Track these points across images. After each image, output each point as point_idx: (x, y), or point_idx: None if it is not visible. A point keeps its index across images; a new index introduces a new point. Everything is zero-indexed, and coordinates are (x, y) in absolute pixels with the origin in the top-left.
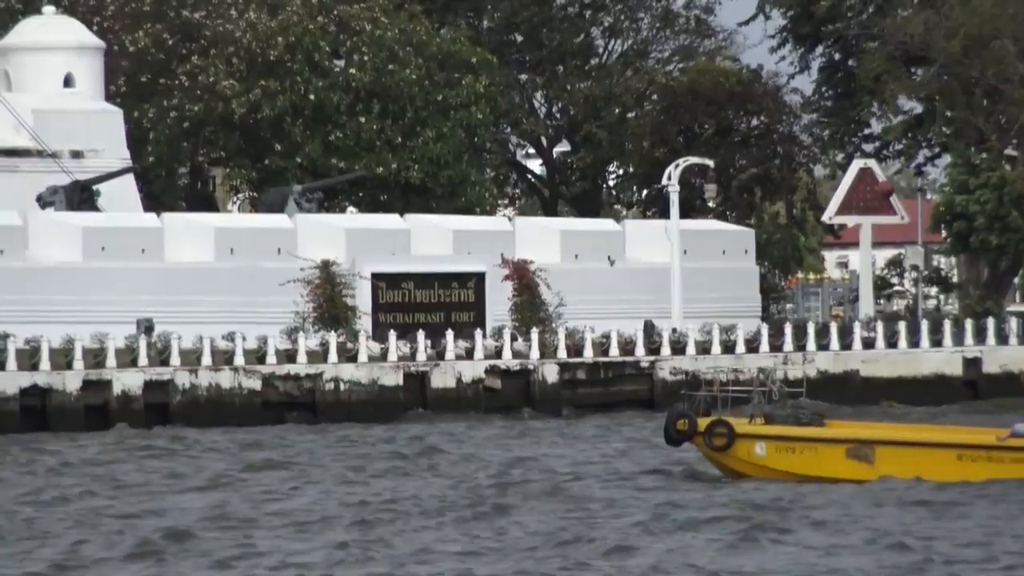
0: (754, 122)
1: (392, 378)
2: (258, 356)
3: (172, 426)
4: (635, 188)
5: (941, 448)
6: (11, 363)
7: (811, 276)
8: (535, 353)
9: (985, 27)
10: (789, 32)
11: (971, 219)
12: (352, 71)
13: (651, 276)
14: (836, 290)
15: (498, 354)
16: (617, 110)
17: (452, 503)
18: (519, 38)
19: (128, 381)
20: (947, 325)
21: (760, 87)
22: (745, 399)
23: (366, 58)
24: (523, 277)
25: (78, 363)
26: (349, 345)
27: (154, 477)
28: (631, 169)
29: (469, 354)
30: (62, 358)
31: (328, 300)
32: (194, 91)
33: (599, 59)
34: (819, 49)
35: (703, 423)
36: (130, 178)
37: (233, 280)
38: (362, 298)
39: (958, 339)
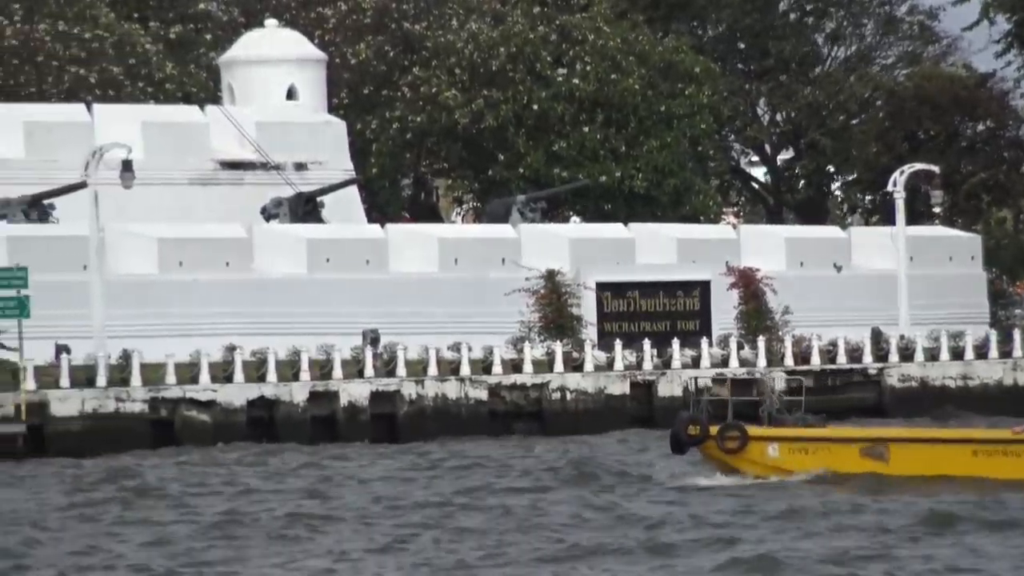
0: (980, 127)
1: (619, 387)
2: (484, 366)
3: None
4: (860, 194)
5: (956, 444)
6: (238, 375)
7: None
8: (762, 361)
9: None
10: (1014, 37)
11: None
12: (575, 81)
13: (877, 283)
14: None
15: (724, 362)
16: (841, 116)
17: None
18: (742, 46)
19: (355, 392)
20: None
21: (986, 92)
22: (748, 407)
23: (588, 67)
24: (749, 285)
25: (305, 374)
26: (575, 354)
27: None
28: (856, 175)
29: (695, 363)
30: (289, 370)
31: (554, 310)
32: (416, 102)
33: (823, 66)
34: None
35: (714, 427)
36: (354, 189)
37: (458, 290)
38: (587, 307)
39: None
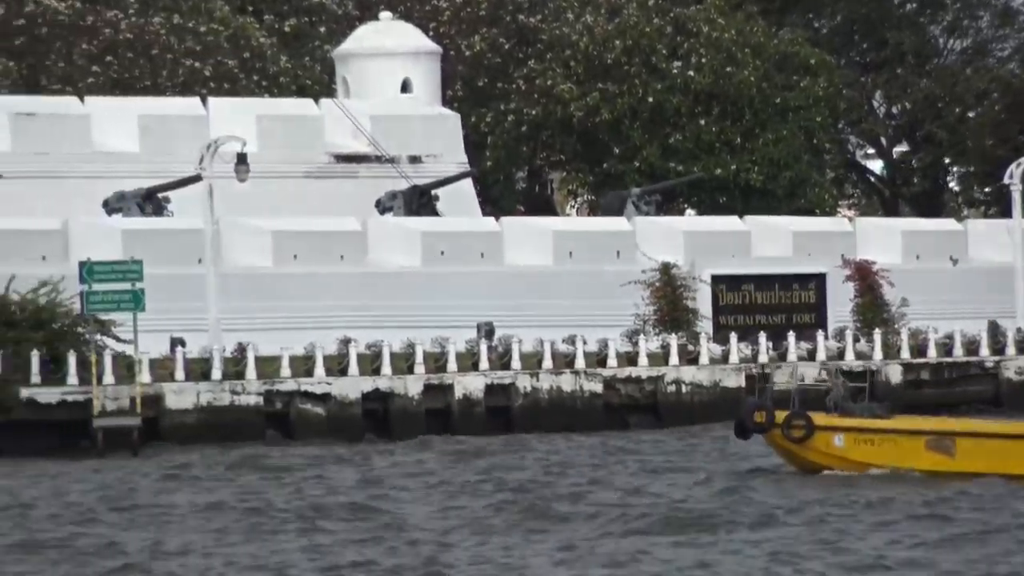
0: None
1: (734, 380)
2: (599, 359)
3: (513, 432)
4: (976, 187)
5: (1023, 439)
6: (353, 368)
7: None
8: (878, 354)
9: None
10: None
11: None
12: (690, 73)
13: (994, 275)
14: None
15: (840, 355)
16: (957, 109)
17: None
18: (857, 38)
19: (469, 385)
20: None
21: None
22: (815, 396)
23: (704, 60)
24: (866, 278)
25: (419, 367)
26: (690, 347)
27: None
28: (972, 168)
29: (811, 356)
30: (403, 363)
31: (669, 303)
32: (531, 95)
33: (939, 58)
34: None
35: (780, 415)
36: (468, 182)
37: (572, 283)
38: (702, 301)
39: None
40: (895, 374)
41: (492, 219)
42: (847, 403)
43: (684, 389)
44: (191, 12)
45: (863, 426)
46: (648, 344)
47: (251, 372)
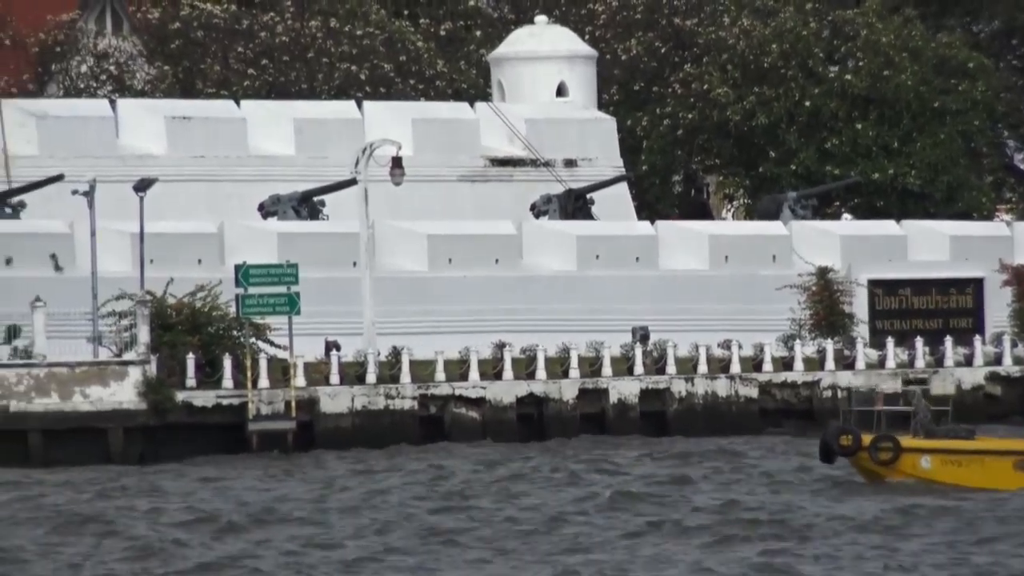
0: None
1: (891, 385)
2: (754, 363)
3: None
4: None
5: None
6: (507, 372)
7: None
8: None
9: None
10: None
11: None
12: (847, 77)
13: None
14: None
15: (998, 360)
16: None
17: None
18: (1015, 41)
19: (624, 389)
20: None
21: None
22: (898, 417)
23: (861, 64)
24: (1023, 283)
25: (574, 372)
26: (846, 352)
27: None
28: None
29: (968, 361)
30: (558, 367)
31: (825, 307)
32: (687, 99)
33: None
34: None
35: (867, 438)
36: (624, 186)
37: (728, 287)
38: (859, 305)
39: None
40: None
41: (647, 223)
42: (932, 425)
43: (840, 394)
44: (347, 16)
45: (950, 447)
46: (804, 349)
47: (406, 376)
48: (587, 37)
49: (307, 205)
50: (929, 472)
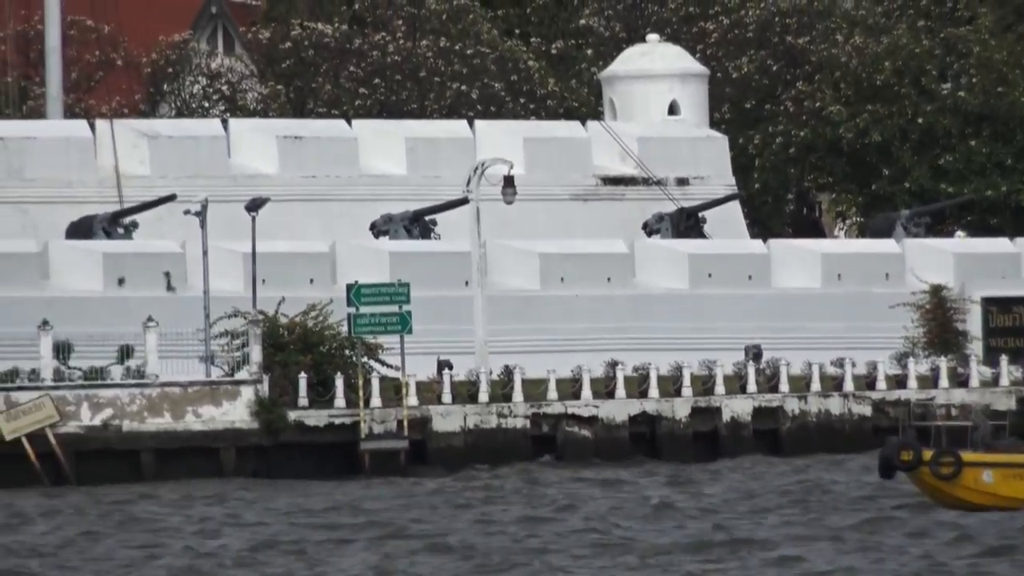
0: None
1: (1004, 403)
2: (867, 381)
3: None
4: None
5: None
6: (620, 391)
7: None
8: None
9: None
10: None
11: None
12: (960, 94)
13: None
14: None
15: None
16: None
17: None
18: None
19: (737, 408)
20: None
21: None
22: (956, 432)
23: (975, 80)
24: None
25: (687, 390)
26: (959, 370)
27: None
28: None
29: None
30: (670, 385)
31: (939, 325)
32: (800, 116)
33: None
34: None
35: (927, 453)
36: (736, 204)
37: (841, 306)
38: (972, 323)
39: None
40: None
41: (760, 241)
42: (992, 440)
43: (954, 412)
44: (459, 35)
45: (1013, 461)
46: (917, 366)
47: (518, 394)
48: (699, 55)
49: (419, 224)
50: (991, 486)
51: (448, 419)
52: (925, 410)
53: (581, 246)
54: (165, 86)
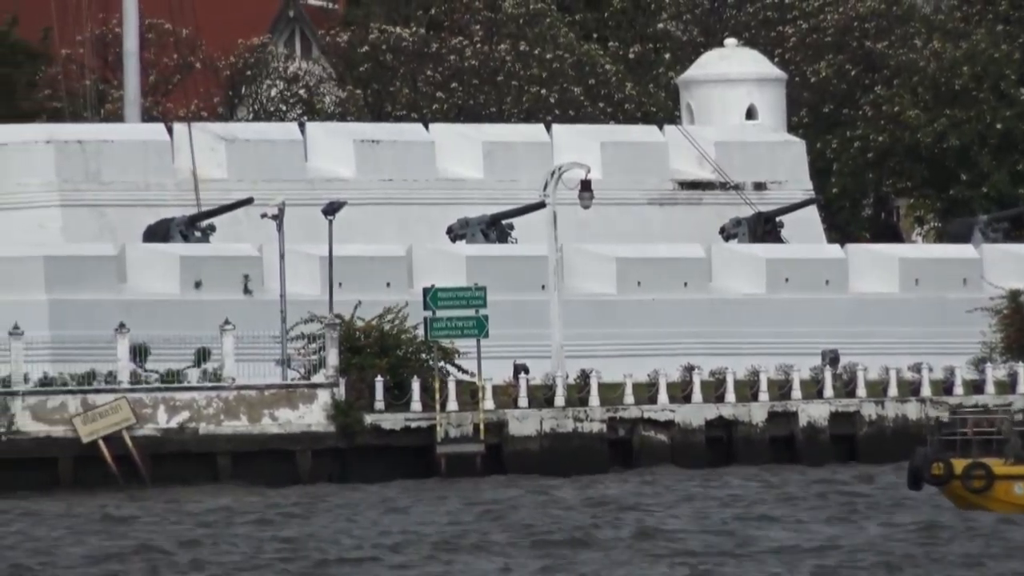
0: None
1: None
2: (945, 387)
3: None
4: None
5: None
6: (696, 395)
7: None
8: None
9: None
10: None
11: None
12: None
13: None
14: None
15: None
16: None
17: None
18: None
19: (814, 413)
20: None
21: None
22: (983, 442)
23: None
24: None
25: (763, 395)
26: None
27: None
28: None
29: None
30: (747, 390)
31: (1017, 330)
32: (878, 121)
33: None
34: None
35: (958, 465)
36: (813, 209)
37: (918, 311)
38: None
39: None
40: None
41: (837, 246)
42: (1022, 451)
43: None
44: (537, 39)
45: None
46: (995, 372)
47: (594, 399)
48: (777, 59)
49: (496, 228)
50: (1023, 498)
51: (524, 423)
52: (954, 416)
53: (658, 250)
54: (243, 89)
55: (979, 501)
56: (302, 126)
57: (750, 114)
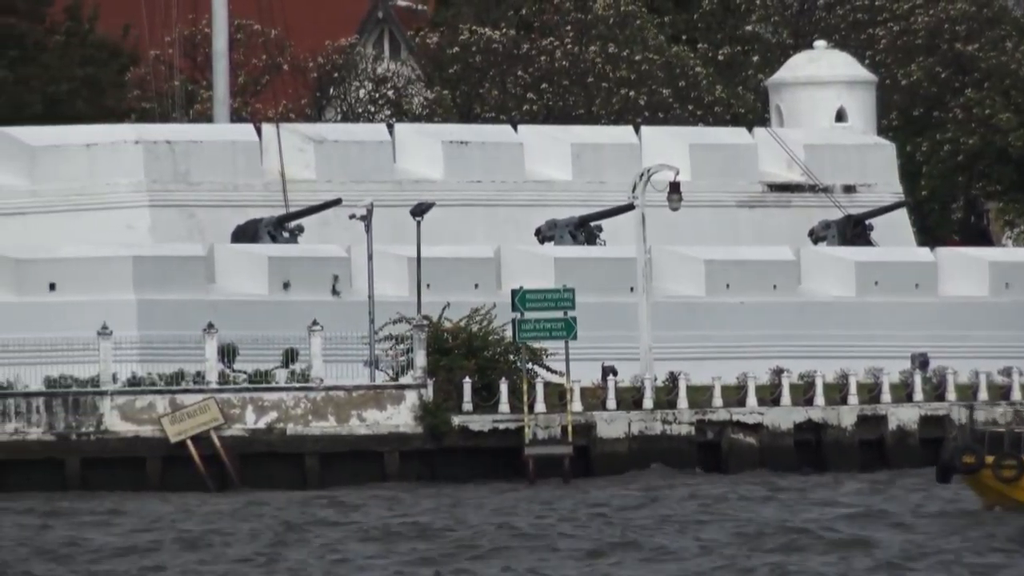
0: None
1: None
2: None
3: None
4: None
5: None
6: (785, 398)
7: None
8: None
9: None
10: None
11: None
12: None
13: None
14: None
15: None
16: None
17: None
18: None
19: (904, 416)
20: None
21: None
22: (1014, 437)
23: None
24: None
25: (853, 398)
26: None
27: None
28: None
29: None
30: (836, 393)
31: None
32: (969, 124)
33: None
34: None
35: (989, 457)
36: (903, 212)
37: (1009, 314)
38: None
39: None
40: None
41: (927, 249)
42: None
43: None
44: (626, 41)
45: None
46: None
47: (682, 401)
48: (867, 62)
49: (584, 230)
50: None
51: (612, 425)
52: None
53: (747, 253)
54: (331, 90)
55: (1009, 491)
56: (390, 127)
57: (840, 116)
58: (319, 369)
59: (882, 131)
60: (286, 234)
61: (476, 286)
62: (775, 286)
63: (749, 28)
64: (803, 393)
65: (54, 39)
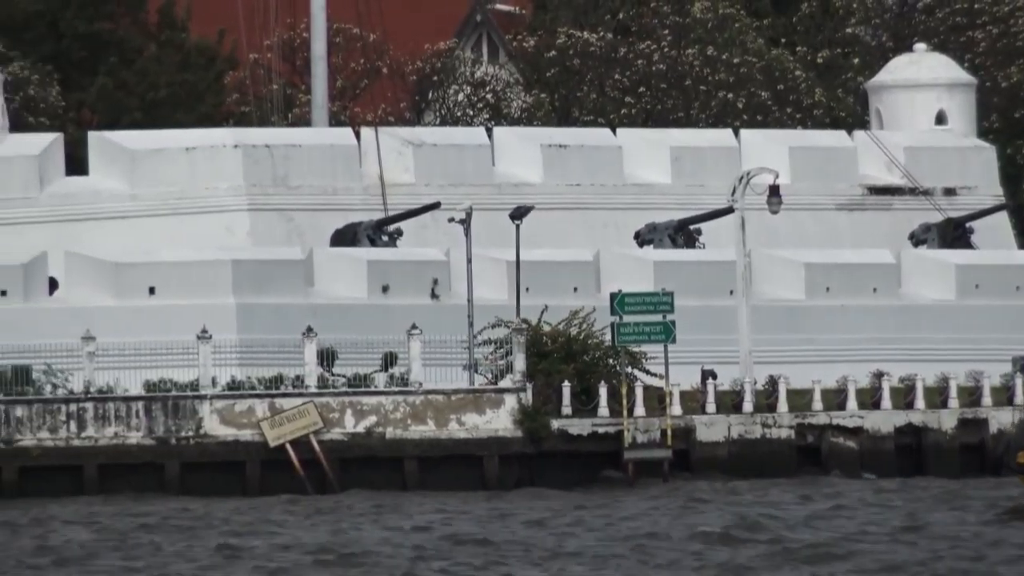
0: None
1: None
2: None
3: None
4: None
5: None
6: (886, 402)
7: None
8: None
9: None
10: None
11: None
12: None
13: None
14: None
15: None
16: None
17: None
18: None
19: (1004, 420)
20: None
21: None
22: None
23: None
24: None
25: (953, 401)
26: None
27: None
28: None
29: None
30: (936, 396)
31: None
32: None
33: None
34: None
35: None
36: (1004, 215)
37: None
38: None
39: None
40: None
41: None
42: None
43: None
44: (725, 44)
45: None
46: None
47: (782, 405)
48: (967, 64)
49: (683, 233)
50: None
51: (712, 429)
52: None
53: (847, 256)
54: (430, 94)
55: None
56: (489, 131)
57: (940, 119)
58: (418, 373)
59: (982, 134)
60: (385, 238)
61: (575, 290)
62: (875, 289)
63: (849, 31)
64: (903, 397)
65: (150, 46)
